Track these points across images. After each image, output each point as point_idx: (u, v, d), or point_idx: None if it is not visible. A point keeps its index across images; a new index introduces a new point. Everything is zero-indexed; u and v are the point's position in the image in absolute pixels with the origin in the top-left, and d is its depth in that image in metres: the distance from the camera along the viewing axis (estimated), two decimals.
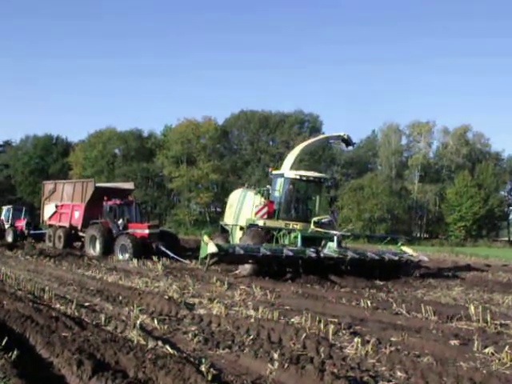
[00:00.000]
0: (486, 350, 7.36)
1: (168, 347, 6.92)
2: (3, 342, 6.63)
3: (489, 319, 9.58)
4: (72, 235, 27.01)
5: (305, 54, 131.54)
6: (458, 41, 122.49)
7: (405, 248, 19.13)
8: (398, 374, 6.37)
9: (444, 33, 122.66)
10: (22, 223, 31.95)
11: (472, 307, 10.34)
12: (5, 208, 34.94)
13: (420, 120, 73.50)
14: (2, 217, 33.98)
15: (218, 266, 17.43)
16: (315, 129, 74.54)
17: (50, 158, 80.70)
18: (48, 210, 29.59)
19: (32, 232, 31.24)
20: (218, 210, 70.26)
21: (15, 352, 6.28)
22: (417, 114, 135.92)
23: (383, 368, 6.63)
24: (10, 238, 30.99)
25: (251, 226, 18.24)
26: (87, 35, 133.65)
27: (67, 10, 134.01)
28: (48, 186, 31.16)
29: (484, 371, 6.46)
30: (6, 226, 32.66)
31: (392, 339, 7.97)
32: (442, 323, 9.54)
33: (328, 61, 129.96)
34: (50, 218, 29.19)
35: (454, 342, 7.84)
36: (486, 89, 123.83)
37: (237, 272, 17.29)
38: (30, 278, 14.32)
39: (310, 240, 17.48)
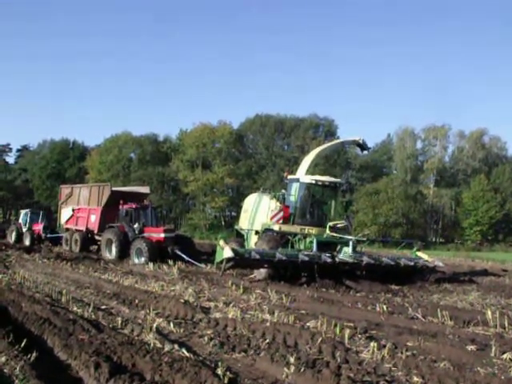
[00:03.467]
0: (504, 356, 7.31)
1: (184, 350, 6.96)
2: (22, 344, 6.73)
3: (506, 325, 9.52)
4: (88, 239, 27.21)
5: (320, 58, 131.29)
6: (472, 44, 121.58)
7: (420, 253, 19.05)
8: (415, 379, 6.35)
9: (457, 36, 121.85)
10: (39, 227, 32.21)
11: (489, 312, 10.26)
12: (22, 212, 35.34)
13: (435, 124, 73.16)
14: (20, 220, 34.34)
15: (233, 270, 17.45)
16: (330, 133, 74.53)
17: (66, 162, 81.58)
18: (65, 213, 29.83)
19: (49, 235, 31.49)
20: (233, 214, 70.39)
21: (34, 354, 6.37)
22: (432, 118, 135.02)
23: (399, 373, 6.60)
24: (27, 242, 31.30)
25: (267, 230, 18.25)
26: (102, 38, 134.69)
27: (81, 8, 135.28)
28: (65, 190, 31.47)
29: (502, 377, 6.41)
30: (24, 230, 32.96)
31: (408, 344, 7.93)
32: (459, 328, 9.49)
33: (343, 64, 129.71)
34: (67, 221, 29.43)
35: (470, 347, 7.79)
36: (503, 92, 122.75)
37: (252, 276, 17.31)
38: (47, 281, 14.45)
39: (326, 245, 17.45)
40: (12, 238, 33.31)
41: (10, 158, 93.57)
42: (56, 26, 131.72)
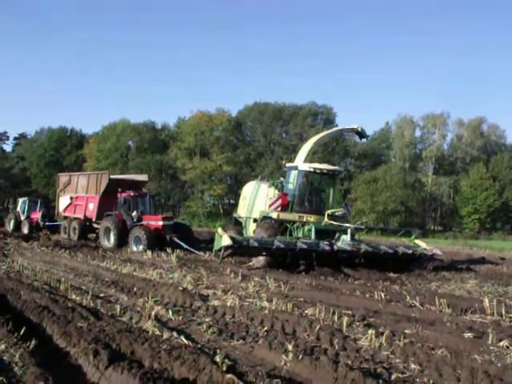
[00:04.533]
0: (501, 344, 7.34)
1: (183, 338, 6.97)
2: (21, 332, 6.74)
3: (503, 312, 9.55)
4: (87, 227, 27.22)
5: (318, 46, 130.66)
6: (470, 32, 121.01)
7: (418, 241, 19.05)
8: (412, 366, 6.38)
9: (455, 24, 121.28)
10: (37, 215, 32.22)
11: (486, 300, 10.30)
12: (20, 200, 35.29)
13: (434, 112, 73.13)
14: (18, 209, 34.32)
15: (231, 257, 17.48)
16: (329, 121, 74.51)
17: (64, 150, 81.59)
18: (63, 201, 29.81)
19: (47, 224, 31.53)
20: (232, 201, 70.55)
21: (33, 342, 6.38)
22: (431, 106, 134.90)
23: (397, 360, 6.63)
24: (25, 230, 31.37)
25: (265, 218, 18.27)
26: (101, 28, 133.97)
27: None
28: (63, 178, 31.41)
29: (499, 364, 6.44)
30: (22, 218, 33.00)
31: (406, 331, 7.96)
32: (456, 316, 9.52)
33: (342, 53, 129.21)
34: (65, 209, 29.41)
35: (468, 334, 7.81)
36: (502, 80, 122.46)
37: (250, 264, 17.35)
38: (46, 269, 14.46)
39: (324, 233, 17.49)
40: (10, 226, 33.37)
41: (8, 146, 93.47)
42: (54, 19, 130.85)
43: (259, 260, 16.98)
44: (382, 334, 7.60)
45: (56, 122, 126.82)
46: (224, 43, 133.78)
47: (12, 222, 33.51)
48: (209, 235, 29.12)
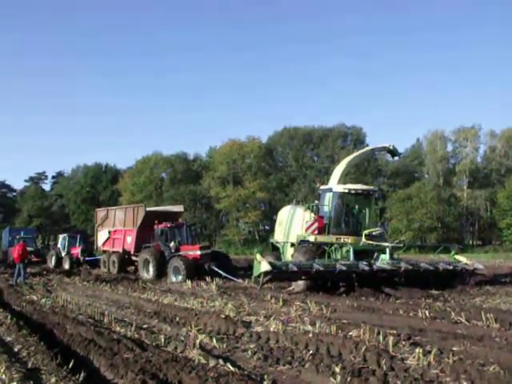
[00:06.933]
0: None
1: (229, 365, 6.98)
2: (70, 365, 6.84)
3: None
4: (125, 260, 27.55)
5: (343, 66, 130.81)
6: (496, 39, 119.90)
7: (458, 257, 18.79)
8: (464, 383, 6.24)
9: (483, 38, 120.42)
10: (77, 250, 32.81)
11: None
12: (61, 236, 36.13)
13: (465, 125, 72.19)
14: (59, 245, 35.09)
15: (271, 283, 17.44)
16: (359, 141, 74.43)
17: (100, 186, 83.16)
18: (101, 236, 30.32)
19: (87, 258, 32.05)
20: (267, 228, 70.43)
21: (82, 374, 6.46)
22: (461, 119, 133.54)
23: (447, 378, 6.49)
24: (66, 266, 31.91)
25: (302, 242, 18.24)
26: (129, 59, 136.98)
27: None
28: (100, 213, 31.98)
29: None
30: (63, 254, 33.67)
31: (454, 348, 7.79)
32: (505, 331, 9.31)
33: (368, 71, 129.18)
34: (104, 244, 29.88)
35: None
36: None
37: (291, 288, 17.29)
38: (88, 302, 14.66)
39: (362, 253, 17.37)
40: (52, 262, 34.06)
41: (46, 186, 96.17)
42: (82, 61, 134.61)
43: (299, 284, 16.92)
44: (430, 352, 7.46)
45: (91, 159, 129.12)
46: (249, 69, 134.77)
47: (53, 258, 34.23)
48: (246, 262, 29.11)
